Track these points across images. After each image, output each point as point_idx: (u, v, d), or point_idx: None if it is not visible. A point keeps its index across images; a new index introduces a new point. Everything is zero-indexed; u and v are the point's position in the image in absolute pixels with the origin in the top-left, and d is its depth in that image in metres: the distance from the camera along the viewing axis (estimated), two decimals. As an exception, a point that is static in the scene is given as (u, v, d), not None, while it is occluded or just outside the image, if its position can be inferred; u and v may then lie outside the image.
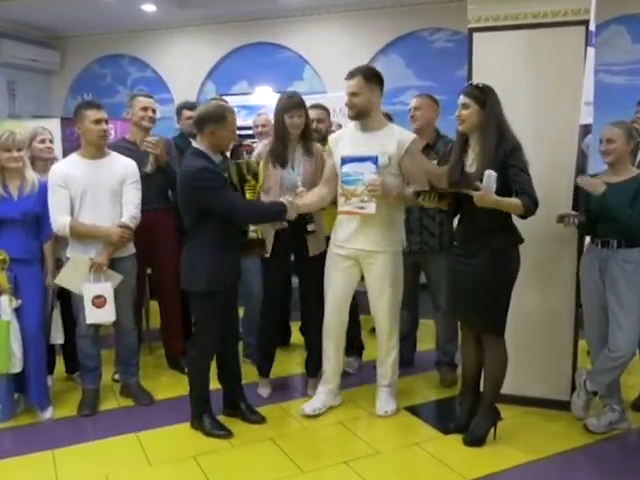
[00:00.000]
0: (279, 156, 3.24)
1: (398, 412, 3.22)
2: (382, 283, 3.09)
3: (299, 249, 3.29)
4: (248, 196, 2.97)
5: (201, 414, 3.02)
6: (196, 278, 2.88)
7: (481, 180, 2.57)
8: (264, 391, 3.48)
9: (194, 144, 2.93)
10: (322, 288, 3.22)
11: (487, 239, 2.71)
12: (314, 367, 3.45)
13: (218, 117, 2.82)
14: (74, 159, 3.25)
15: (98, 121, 3.17)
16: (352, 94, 2.98)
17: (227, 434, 2.98)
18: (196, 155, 2.86)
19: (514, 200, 2.61)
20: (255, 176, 2.98)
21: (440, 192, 2.74)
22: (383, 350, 3.21)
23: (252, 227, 3.02)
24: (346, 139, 3.09)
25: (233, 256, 2.94)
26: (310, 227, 3.23)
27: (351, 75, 3.00)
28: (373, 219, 2.98)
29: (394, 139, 3.01)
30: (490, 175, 2.54)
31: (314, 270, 3.26)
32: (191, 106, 4.18)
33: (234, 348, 3.19)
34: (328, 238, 3.26)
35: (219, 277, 2.87)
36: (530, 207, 2.61)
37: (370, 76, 3.02)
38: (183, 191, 2.87)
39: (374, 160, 2.92)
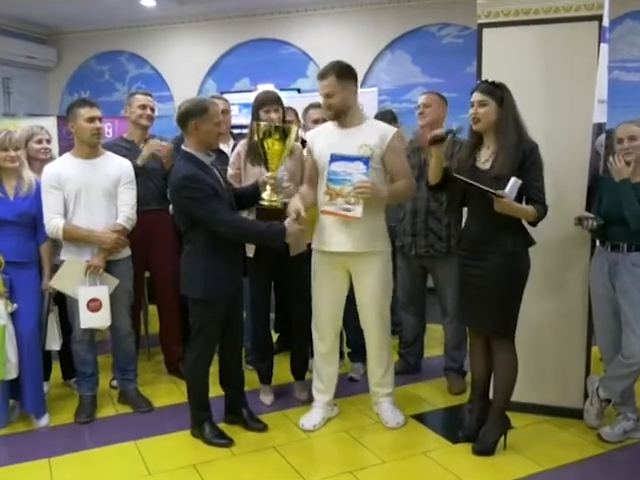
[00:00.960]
0: (256, 154, 3.21)
1: (405, 420, 3.22)
2: (374, 288, 3.07)
3: (280, 250, 3.24)
4: (272, 161, 2.87)
5: (201, 422, 3.03)
6: (193, 286, 2.89)
7: (502, 185, 2.60)
8: (266, 398, 3.49)
9: (183, 147, 2.90)
10: (303, 288, 3.24)
11: (498, 241, 2.72)
12: (300, 369, 3.50)
13: (199, 110, 2.80)
14: (67, 159, 3.26)
15: (91, 119, 3.18)
16: (327, 95, 2.93)
17: (228, 443, 2.98)
18: (185, 160, 2.85)
19: (529, 208, 2.68)
20: (282, 140, 2.83)
21: (467, 184, 2.69)
22: (376, 358, 3.19)
23: (266, 195, 2.90)
24: (324, 136, 3.06)
25: (232, 263, 2.93)
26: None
27: (323, 75, 2.93)
28: (359, 219, 2.92)
29: (376, 133, 2.99)
30: (516, 182, 2.59)
31: (295, 270, 3.27)
32: None
33: (237, 354, 3.19)
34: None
35: (216, 286, 2.86)
36: (542, 216, 2.70)
37: (343, 73, 2.93)
38: (172, 198, 2.90)
39: (365, 161, 2.87)
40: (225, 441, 2.99)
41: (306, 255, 3.32)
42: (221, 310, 2.93)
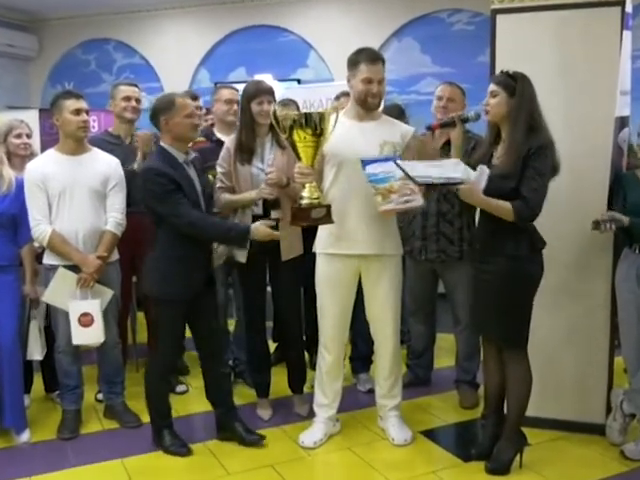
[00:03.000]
0: (247, 149, 3.20)
1: (413, 437, 3.21)
2: (387, 293, 3.08)
3: (273, 253, 3.24)
4: (303, 155, 2.83)
5: (159, 429, 3.11)
6: (150, 282, 3.01)
7: (507, 184, 2.61)
8: (264, 413, 3.49)
9: (160, 142, 3.01)
10: (298, 294, 3.29)
11: (500, 244, 2.72)
12: (298, 382, 3.52)
13: (166, 104, 2.94)
14: (52, 155, 3.25)
15: (77, 111, 3.18)
16: (380, 81, 2.96)
17: (186, 452, 3.06)
18: (157, 153, 3.00)
19: (504, 203, 2.64)
20: (315, 130, 2.77)
21: (426, 185, 2.73)
22: (387, 369, 3.20)
23: (306, 192, 2.83)
24: (340, 129, 2.98)
25: (192, 265, 2.97)
26: (274, 214, 3.15)
27: (377, 59, 2.97)
28: (372, 219, 2.94)
29: (396, 130, 3.04)
30: (483, 171, 2.61)
31: (288, 277, 3.28)
32: (194, 95, 4.22)
33: (218, 364, 3.22)
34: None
35: (172, 285, 2.95)
36: (523, 214, 2.64)
37: (384, 62, 3.02)
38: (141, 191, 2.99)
39: (399, 158, 2.88)
40: (183, 450, 3.06)
41: (301, 260, 3.31)
42: (175, 312, 3.00)
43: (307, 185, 2.85)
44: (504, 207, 2.64)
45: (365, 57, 2.95)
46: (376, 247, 3.02)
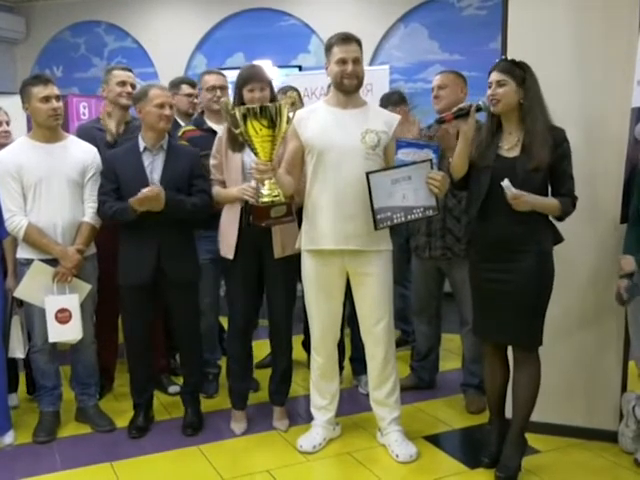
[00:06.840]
0: (238, 138, 3.13)
1: (416, 443, 3.20)
2: (377, 291, 3.06)
3: (265, 250, 3.22)
4: (260, 150, 2.81)
5: (134, 405, 3.42)
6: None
7: (538, 178, 2.67)
8: (238, 426, 3.39)
9: None
10: (289, 299, 3.32)
11: (530, 238, 2.71)
12: (281, 394, 3.46)
13: (141, 94, 3.21)
14: (25, 143, 3.23)
15: (46, 98, 3.14)
16: (355, 61, 2.96)
17: (136, 435, 3.31)
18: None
19: (554, 201, 2.72)
20: (271, 123, 2.77)
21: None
22: (380, 376, 3.14)
23: (266, 190, 2.82)
24: (319, 117, 3.03)
25: (141, 249, 3.17)
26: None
27: (349, 39, 2.97)
28: (355, 213, 2.93)
29: (380, 118, 3.04)
30: (508, 187, 2.62)
31: (280, 277, 3.26)
32: (193, 82, 4.22)
33: (187, 356, 3.49)
34: None
35: (124, 272, 3.24)
36: (569, 211, 2.74)
37: (360, 44, 3.02)
38: None
39: (435, 149, 2.93)
40: (134, 432, 3.32)
41: (293, 258, 3.27)
42: (130, 297, 3.26)
43: (267, 182, 2.84)
44: (552, 205, 2.72)
45: (337, 38, 2.98)
46: (360, 242, 2.99)
